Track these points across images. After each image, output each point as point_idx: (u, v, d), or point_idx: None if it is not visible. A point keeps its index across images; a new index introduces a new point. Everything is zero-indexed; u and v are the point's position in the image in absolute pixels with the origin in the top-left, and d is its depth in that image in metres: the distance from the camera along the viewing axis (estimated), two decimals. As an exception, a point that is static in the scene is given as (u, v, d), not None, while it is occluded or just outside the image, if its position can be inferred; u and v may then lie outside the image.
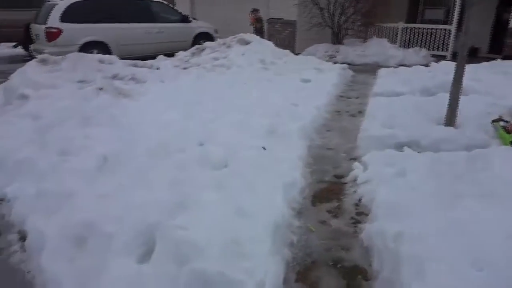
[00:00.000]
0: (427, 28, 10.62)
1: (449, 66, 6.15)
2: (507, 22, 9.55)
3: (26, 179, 3.12)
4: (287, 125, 4.27)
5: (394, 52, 10.27)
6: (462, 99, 4.18)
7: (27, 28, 9.65)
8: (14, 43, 11.26)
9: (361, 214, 2.90)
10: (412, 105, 4.95)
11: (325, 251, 2.49)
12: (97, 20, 8.92)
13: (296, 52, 10.60)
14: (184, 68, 7.49)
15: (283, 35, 12.46)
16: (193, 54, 8.45)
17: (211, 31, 11.28)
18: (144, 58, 7.95)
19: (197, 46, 8.94)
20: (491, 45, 10.84)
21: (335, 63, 9.08)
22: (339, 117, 5.37)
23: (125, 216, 2.29)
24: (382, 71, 7.89)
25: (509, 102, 4.73)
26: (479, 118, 4.25)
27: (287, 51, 9.07)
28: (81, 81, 5.69)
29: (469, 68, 4.47)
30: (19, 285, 2.21)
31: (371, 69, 9.03)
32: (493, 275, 1.87)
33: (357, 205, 3.04)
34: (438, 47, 10.48)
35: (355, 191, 3.22)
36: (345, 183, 3.42)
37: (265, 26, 12.00)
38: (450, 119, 4.15)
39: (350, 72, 8.29)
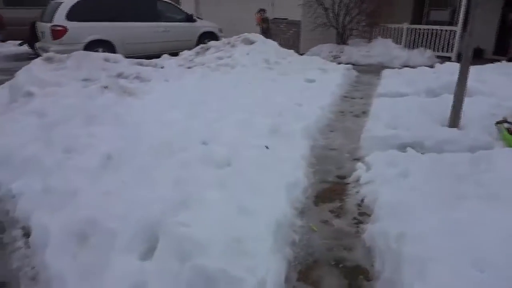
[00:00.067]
0: (432, 29, 10.59)
1: (453, 67, 6.11)
2: (513, 23, 9.51)
3: (31, 176, 3.15)
4: (291, 125, 4.28)
5: (398, 52, 10.25)
6: (467, 100, 4.17)
7: (32, 26, 9.71)
8: (20, 41, 11.33)
9: (363, 214, 2.91)
10: (416, 106, 4.94)
11: (327, 250, 2.49)
12: (102, 18, 8.96)
13: (301, 52, 10.60)
14: (189, 67, 7.52)
15: (288, 35, 12.46)
16: (197, 53, 8.47)
17: (215, 31, 11.30)
18: (148, 57, 7.99)
19: (201, 45, 8.96)
20: (496, 47, 10.79)
21: (339, 63, 9.08)
22: (343, 118, 5.37)
23: (128, 213, 2.31)
24: (386, 72, 7.88)
25: (513, 104, 4.72)
26: (483, 120, 4.24)
27: (292, 51, 9.08)
28: (86, 80, 5.72)
29: (473, 70, 4.47)
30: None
31: (376, 69, 9.01)
32: (494, 276, 1.87)
33: (359, 205, 3.04)
34: (443, 48, 10.44)
35: (357, 192, 3.22)
36: (348, 183, 3.42)
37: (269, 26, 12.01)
38: (454, 120, 4.14)
39: (355, 73, 8.28)
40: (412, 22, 11.31)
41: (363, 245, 2.53)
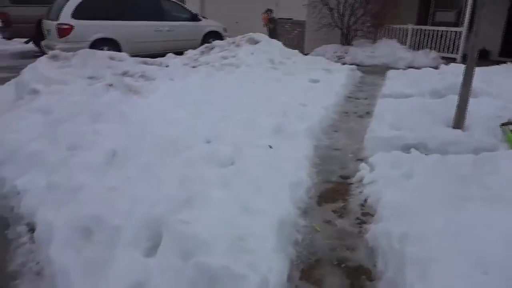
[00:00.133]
0: (438, 30, 10.55)
1: (459, 68, 6.10)
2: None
3: (36, 172, 3.17)
4: (295, 125, 4.29)
5: (403, 53, 10.22)
6: (472, 102, 4.15)
7: (38, 24, 9.77)
8: (25, 39, 11.41)
9: (366, 214, 2.91)
10: (421, 107, 4.93)
11: (329, 250, 2.50)
12: (108, 17, 8.99)
13: (305, 52, 10.60)
14: (193, 67, 7.53)
15: (292, 35, 12.46)
16: (202, 53, 8.49)
17: (220, 30, 11.32)
18: (153, 55, 8.01)
19: (206, 44, 8.98)
20: (502, 48, 10.74)
21: (343, 64, 9.07)
22: (347, 118, 5.36)
23: (133, 210, 2.33)
24: (391, 73, 7.86)
25: (519, 106, 4.70)
26: (488, 121, 4.22)
27: (296, 51, 9.07)
28: (91, 77, 5.76)
29: (479, 71, 4.45)
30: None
31: (380, 70, 9.00)
32: (498, 278, 1.87)
33: (362, 205, 3.04)
34: (448, 49, 10.41)
35: (361, 192, 3.22)
36: (351, 183, 3.42)
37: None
38: (459, 122, 4.13)
39: (359, 73, 8.27)
40: (418, 23, 11.28)
41: (366, 245, 2.53)
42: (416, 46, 10.86)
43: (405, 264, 2.05)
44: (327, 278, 2.24)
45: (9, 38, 11.38)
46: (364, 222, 2.80)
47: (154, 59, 7.53)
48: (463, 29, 9.99)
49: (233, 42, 8.67)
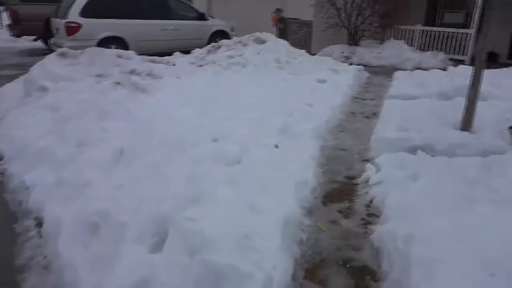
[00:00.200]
0: (446, 31, 10.49)
1: (467, 71, 6.05)
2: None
3: (44, 168, 3.21)
4: (301, 124, 4.29)
5: (411, 54, 10.17)
6: (480, 104, 4.13)
7: (47, 22, 9.85)
8: (34, 37, 11.50)
9: (372, 215, 2.90)
10: (428, 108, 4.91)
11: (334, 250, 2.50)
12: (115, 15, 9.05)
13: (312, 53, 10.58)
14: (200, 66, 7.56)
15: (299, 35, 12.44)
16: (209, 52, 8.50)
17: (227, 29, 11.34)
18: (161, 54, 8.04)
19: (213, 43, 8.99)
20: (511, 51, 10.65)
21: (350, 64, 9.04)
22: (353, 119, 5.35)
23: (140, 207, 2.35)
24: (398, 74, 7.83)
25: (528, 109, 4.66)
26: (497, 124, 4.19)
27: (303, 51, 9.06)
28: (99, 75, 5.80)
29: (488, 73, 4.42)
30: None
31: (387, 71, 8.96)
32: (505, 280, 1.86)
33: (368, 206, 3.04)
34: (456, 51, 10.34)
35: (366, 192, 3.21)
36: (357, 184, 3.42)
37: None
38: (466, 124, 4.11)
39: (366, 74, 8.24)
40: (426, 24, 11.22)
41: (371, 245, 2.53)
42: (424, 47, 10.80)
43: (411, 265, 2.05)
44: (332, 277, 2.25)
45: (18, 36, 11.49)
46: (370, 223, 2.80)
47: (161, 57, 7.57)
48: (472, 31, 9.92)
49: (240, 42, 8.67)
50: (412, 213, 2.54)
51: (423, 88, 6.18)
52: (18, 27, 11.07)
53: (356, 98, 6.46)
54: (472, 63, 9.16)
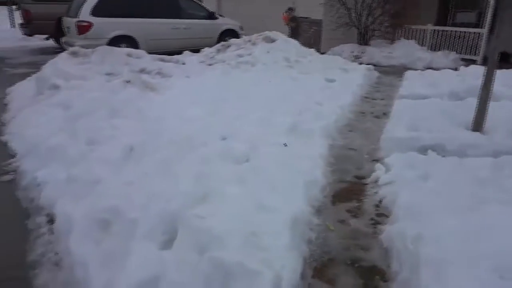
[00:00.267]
0: (458, 31, 10.37)
1: (479, 71, 5.98)
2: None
3: (55, 165, 3.25)
4: (310, 123, 4.28)
5: (422, 54, 10.07)
6: (492, 105, 4.07)
7: (58, 21, 9.96)
8: (46, 36, 11.64)
9: (381, 215, 2.89)
10: (439, 108, 4.86)
11: (343, 249, 2.49)
12: (126, 14, 9.11)
13: (321, 52, 10.54)
14: (209, 64, 7.58)
15: (309, 34, 12.41)
16: (218, 51, 8.52)
17: (236, 28, 11.35)
18: (170, 53, 8.08)
19: (222, 42, 9.01)
20: (524, 51, 10.49)
21: (360, 63, 8.99)
22: (363, 118, 5.33)
23: (149, 204, 2.37)
24: (408, 73, 7.76)
25: (541, 109, 4.58)
26: (509, 125, 4.13)
27: (312, 50, 9.03)
28: (109, 74, 5.85)
29: (500, 74, 4.36)
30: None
31: (398, 71, 8.89)
32: (516, 283, 1.84)
33: (377, 206, 3.02)
34: (468, 51, 10.21)
35: (376, 192, 3.20)
36: (366, 184, 3.40)
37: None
38: (478, 124, 4.06)
39: (376, 74, 8.19)
40: (437, 24, 11.10)
41: (380, 245, 2.51)
42: (435, 47, 10.69)
43: (420, 266, 2.04)
44: (340, 277, 2.24)
45: (30, 35, 11.63)
46: (379, 223, 2.78)
47: (171, 56, 7.60)
48: (484, 31, 9.80)
49: (249, 41, 8.68)
50: (422, 213, 2.52)
51: (434, 88, 6.12)
52: (30, 26, 11.20)
53: (366, 97, 6.42)
54: (484, 63, 9.05)
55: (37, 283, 2.21)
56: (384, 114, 5.46)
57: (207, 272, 1.90)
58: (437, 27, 10.81)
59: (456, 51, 10.29)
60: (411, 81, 7.00)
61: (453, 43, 10.42)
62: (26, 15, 11.24)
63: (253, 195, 2.57)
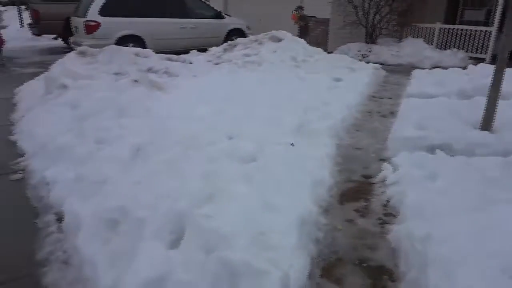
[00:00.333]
0: (466, 29, 10.27)
1: (487, 69, 5.93)
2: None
3: (64, 165, 3.28)
4: (317, 123, 4.28)
5: (429, 53, 9.99)
6: (502, 104, 4.03)
7: (67, 21, 10.02)
8: (54, 35, 11.72)
9: (389, 215, 2.87)
10: (447, 107, 4.82)
11: (351, 249, 2.48)
12: (133, 14, 9.16)
13: (328, 51, 10.50)
14: (216, 64, 7.59)
15: (316, 33, 12.37)
16: (225, 50, 8.53)
17: (243, 28, 11.35)
18: (177, 52, 8.10)
19: (229, 42, 9.01)
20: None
21: (367, 62, 8.94)
22: (370, 117, 5.30)
23: (157, 203, 2.37)
24: (416, 72, 7.71)
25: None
26: (518, 124, 4.10)
27: (319, 49, 9.00)
28: (117, 73, 5.88)
29: (509, 72, 4.31)
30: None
31: (405, 70, 8.84)
32: (525, 283, 1.82)
33: (385, 205, 3.01)
34: (477, 49, 10.11)
35: (383, 192, 3.19)
36: (374, 183, 3.39)
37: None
38: (487, 123, 4.02)
39: (383, 72, 8.14)
40: (445, 22, 11.01)
41: (388, 245, 2.50)
42: (443, 45, 10.60)
43: (429, 266, 2.03)
44: (348, 277, 2.24)
45: (39, 35, 11.72)
46: (387, 223, 2.77)
47: (178, 55, 7.62)
48: (493, 29, 9.69)
49: (256, 40, 8.67)
50: (430, 213, 2.51)
51: (442, 86, 6.07)
52: (38, 26, 11.29)
53: (373, 96, 6.39)
54: (492, 61, 8.96)
55: (46, 281, 2.23)
56: (392, 113, 5.43)
57: (214, 272, 1.90)
58: (445, 25, 10.71)
59: (465, 49, 10.19)
60: (419, 80, 6.95)
61: (461, 41, 10.32)
62: (34, 15, 11.33)
63: (260, 194, 2.57)
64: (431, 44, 10.62)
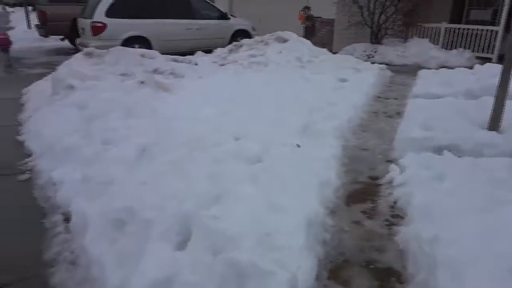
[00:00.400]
0: (472, 29, 10.21)
1: (494, 69, 5.88)
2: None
3: (71, 165, 3.29)
4: (323, 123, 4.26)
5: (435, 53, 9.94)
6: (510, 104, 3.99)
7: (73, 22, 10.08)
8: (61, 36, 11.80)
9: (396, 216, 2.86)
10: (454, 108, 4.79)
11: (358, 251, 2.47)
12: (139, 15, 9.20)
13: (334, 51, 10.48)
14: (222, 65, 7.60)
15: (321, 33, 12.35)
16: (230, 51, 8.54)
17: (249, 29, 11.35)
18: (183, 53, 8.12)
19: (234, 43, 9.03)
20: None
21: (373, 63, 8.91)
22: (376, 118, 5.28)
23: (164, 204, 2.38)
24: (422, 72, 7.67)
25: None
26: (526, 124, 4.06)
27: (324, 49, 8.99)
28: (123, 74, 5.90)
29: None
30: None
31: (411, 70, 8.80)
32: (535, 285, 1.81)
33: (392, 207, 2.99)
34: (483, 49, 10.05)
35: (390, 193, 3.17)
36: (381, 184, 3.37)
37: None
38: (494, 124, 3.99)
39: (389, 73, 8.11)
40: (451, 22, 10.95)
41: (395, 247, 2.49)
42: (449, 45, 10.54)
43: (437, 267, 2.01)
44: (356, 279, 2.22)
45: (46, 36, 11.80)
46: (394, 224, 2.76)
47: (184, 56, 7.64)
48: (500, 28, 9.63)
49: (262, 41, 8.68)
50: (438, 214, 2.49)
51: (449, 87, 6.04)
52: (45, 27, 11.37)
53: (379, 97, 6.36)
54: (499, 61, 8.89)
55: (54, 281, 2.24)
56: (398, 113, 5.41)
57: (221, 273, 1.90)
58: (451, 25, 10.65)
59: (471, 49, 10.13)
60: (425, 80, 6.91)
61: (468, 41, 10.26)
62: (42, 16, 11.41)
63: (266, 195, 2.57)
64: (437, 44, 10.57)
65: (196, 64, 7.36)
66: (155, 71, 6.37)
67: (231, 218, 2.26)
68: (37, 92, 5.95)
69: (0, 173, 3.65)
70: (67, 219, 2.75)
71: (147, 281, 1.89)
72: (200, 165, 2.99)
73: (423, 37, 10.82)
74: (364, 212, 2.93)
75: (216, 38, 10.35)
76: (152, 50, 7.58)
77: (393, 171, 3.47)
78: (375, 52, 10.57)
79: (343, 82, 6.59)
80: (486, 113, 4.08)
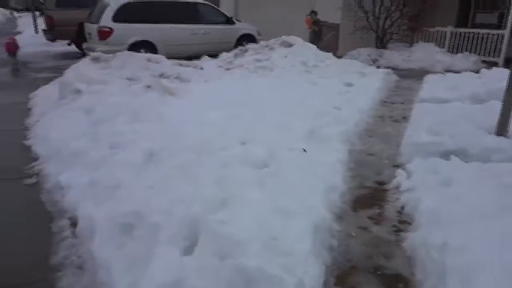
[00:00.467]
0: (478, 33, 10.17)
1: (501, 73, 5.87)
2: None
3: (78, 169, 3.31)
4: (329, 128, 4.26)
5: (441, 57, 9.92)
6: (516, 108, 3.97)
7: (80, 26, 10.17)
8: (68, 41, 11.90)
9: (403, 222, 2.84)
10: (460, 112, 4.76)
11: (365, 257, 2.45)
12: (145, 20, 9.26)
13: (339, 56, 10.48)
14: (227, 69, 7.63)
15: (326, 38, 12.35)
16: (236, 56, 8.57)
17: (254, 33, 11.39)
18: (189, 58, 8.16)
19: (240, 47, 9.06)
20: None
21: (378, 67, 8.91)
22: (382, 123, 5.26)
23: (171, 209, 2.38)
24: (428, 77, 7.65)
25: None
26: (534, 129, 4.03)
27: (330, 54, 8.99)
28: (129, 79, 5.94)
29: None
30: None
31: (417, 74, 8.77)
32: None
33: (399, 212, 2.97)
34: (489, 53, 10.00)
35: (398, 199, 3.15)
36: (387, 190, 3.35)
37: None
38: (502, 128, 3.96)
39: (394, 77, 8.10)
40: (457, 26, 10.92)
41: (403, 253, 2.47)
42: (455, 49, 10.52)
43: (446, 274, 2.00)
44: (363, 285, 2.21)
45: (53, 40, 11.90)
46: (401, 230, 2.74)
47: (190, 61, 7.68)
48: (506, 32, 9.59)
49: (267, 45, 8.71)
50: (446, 220, 2.48)
51: (455, 91, 6.01)
52: (52, 32, 11.46)
53: (384, 101, 6.35)
54: (506, 65, 8.86)
55: (61, 286, 2.24)
56: (404, 118, 5.39)
57: (228, 278, 1.89)
58: (457, 29, 10.63)
59: (477, 53, 10.09)
60: (432, 85, 6.90)
61: (474, 45, 10.23)
62: (49, 21, 11.52)
63: (273, 200, 2.56)
64: (443, 48, 10.54)
65: (202, 69, 7.39)
66: (161, 75, 6.41)
67: (238, 223, 2.26)
68: (44, 97, 5.99)
69: (7, 177, 3.67)
70: (74, 223, 2.76)
71: (154, 286, 1.89)
72: (207, 169, 2.99)
73: (428, 41, 10.81)
74: (371, 217, 2.92)
75: (221, 43, 10.38)
76: (158, 55, 7.63)
77: (400, 176, 3.45)
78: (380, 56, 10.56)
79: (348, 86, 6.59)
80: (493, 118, 4.06)
